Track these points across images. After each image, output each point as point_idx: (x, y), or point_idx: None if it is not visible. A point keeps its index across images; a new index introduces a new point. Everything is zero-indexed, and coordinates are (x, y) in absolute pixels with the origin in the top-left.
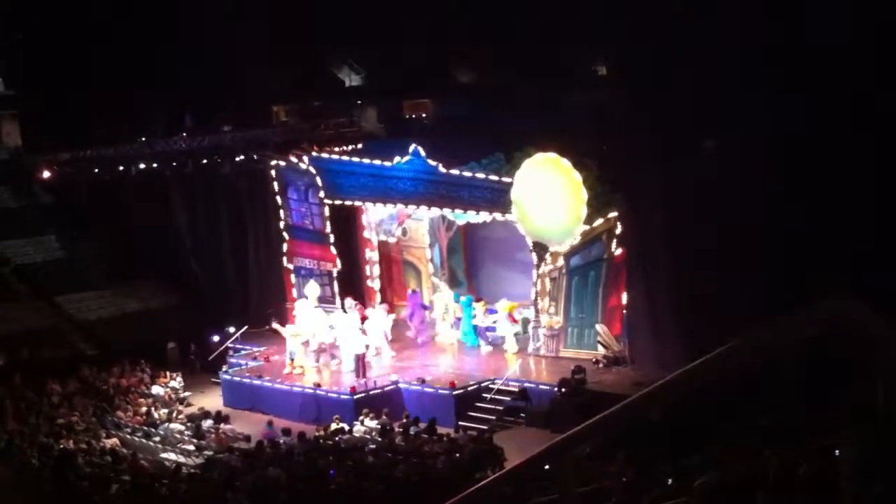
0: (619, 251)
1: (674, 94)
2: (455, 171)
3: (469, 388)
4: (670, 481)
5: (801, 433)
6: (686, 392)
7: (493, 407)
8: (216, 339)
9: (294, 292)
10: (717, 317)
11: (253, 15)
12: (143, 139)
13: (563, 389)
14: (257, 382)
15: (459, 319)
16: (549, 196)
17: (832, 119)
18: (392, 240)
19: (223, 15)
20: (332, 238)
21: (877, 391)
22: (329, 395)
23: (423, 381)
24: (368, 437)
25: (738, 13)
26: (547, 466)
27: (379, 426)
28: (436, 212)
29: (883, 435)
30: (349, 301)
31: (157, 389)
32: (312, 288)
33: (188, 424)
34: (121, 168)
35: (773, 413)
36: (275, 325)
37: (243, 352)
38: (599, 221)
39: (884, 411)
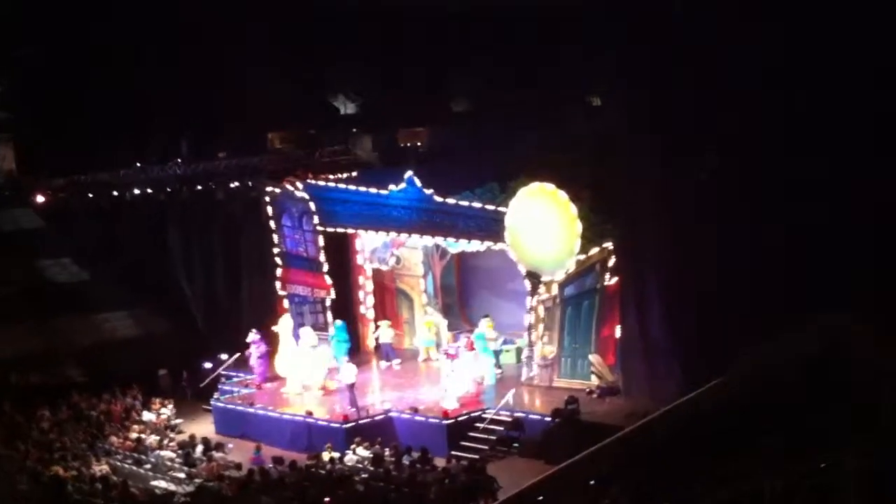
0: (612, 281)
1: (670, 119)
2: (449, 200)
3: (462, 418)
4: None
5: (803, 452)
6: (689, 417)
7: (485, 436)
8: (208, 366)
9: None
10: (711, 347)
11: (249, 43)
12: (139, 165)
13: (557, 419)
14: (248, 410)
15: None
16: (543, 225)
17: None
18: (386, 268)
19: (220, 43)
20: (325, 265)
21: (879, 408)
22: (321, 423)
23: (415, 410)
24: (360, 465)
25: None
26: (540, 497)
27: (371, 455)
28: (430, 240)
29: (887, 450)
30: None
31: (148, 416)
32: (286, 321)
33: (179, 452)
34: (115, 193)
35: (775, 433)
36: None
37: (235, 379)
38: (593, 251)
39: (888, 427)
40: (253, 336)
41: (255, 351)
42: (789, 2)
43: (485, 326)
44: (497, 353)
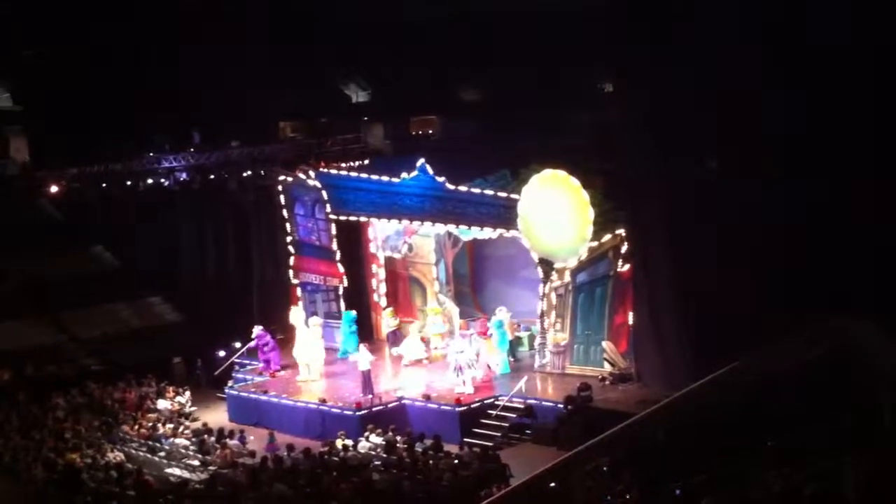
0: (625, 268)
1: (676, 111)
2: (461, 188)
3: (475, 405)
4: (676, 498)
5: (805, 454)
6: (691, 412)
7: (498, 423)
8: (222, 354)
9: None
10: (723, 334)
11: (260, 31)
12: (151, 155)
13: (569, 406)
14: (262, 398)
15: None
16: (556, 213)
17: (834, 128)
18: (398, 256)
19: (231, 31)
20: (338, 254)
21: (880, 412)
22: (334, 410)
23: (428, 398)
24: (373, 453)
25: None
26: (553, 484)
27: (384, 442)
28: (442, 228)
29: (888, 455)
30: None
31: (162, 404)
32: (297, 312)
33: (193, 440)
34: (128, 183)
35: (778, 434)
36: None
37: (249, 367)
38: (606, 238)
39: (890, 432)
40: (257, 331)
41: (260, 344)
42: (789, 2)
43: (503, 314)
44: (513, 343)
